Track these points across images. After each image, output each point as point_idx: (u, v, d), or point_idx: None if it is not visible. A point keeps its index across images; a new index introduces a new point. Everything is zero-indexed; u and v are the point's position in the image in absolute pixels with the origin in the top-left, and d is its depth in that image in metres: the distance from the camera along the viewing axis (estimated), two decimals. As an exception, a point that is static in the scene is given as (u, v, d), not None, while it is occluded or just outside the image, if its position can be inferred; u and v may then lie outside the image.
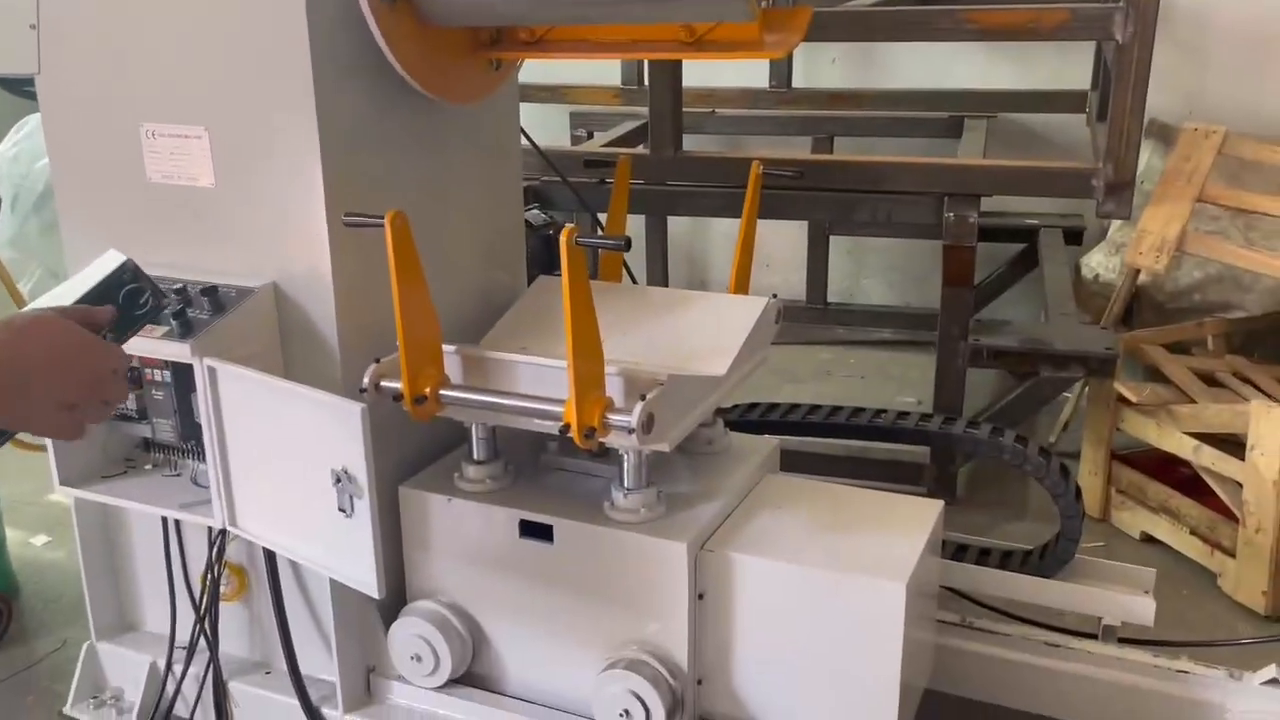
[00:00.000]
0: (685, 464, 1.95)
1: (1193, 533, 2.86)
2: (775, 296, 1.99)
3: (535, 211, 2.71)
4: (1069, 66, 4.31)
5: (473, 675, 1.91)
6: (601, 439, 1.61)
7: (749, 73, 4.66)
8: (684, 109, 3.44)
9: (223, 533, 1.85)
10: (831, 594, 1.68)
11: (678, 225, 4.83)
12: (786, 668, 1.74)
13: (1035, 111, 4.41)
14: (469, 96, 1.94)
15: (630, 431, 1.57)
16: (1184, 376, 3.09)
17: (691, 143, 3.61)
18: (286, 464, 1.65)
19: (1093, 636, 2.13)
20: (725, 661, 1.77)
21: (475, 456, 1.86)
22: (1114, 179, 2.80)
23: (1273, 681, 1.94)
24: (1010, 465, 2.27)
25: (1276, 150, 3.33)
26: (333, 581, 1.80)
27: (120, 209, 1.87)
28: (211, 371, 1.68)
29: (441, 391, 1.70)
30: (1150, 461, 3.08)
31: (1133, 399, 3.00)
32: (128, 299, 1.37)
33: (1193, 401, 2.97)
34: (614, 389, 1.65)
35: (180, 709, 2.06)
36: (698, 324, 1.94)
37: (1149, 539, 2.99)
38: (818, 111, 4.56)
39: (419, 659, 1.86)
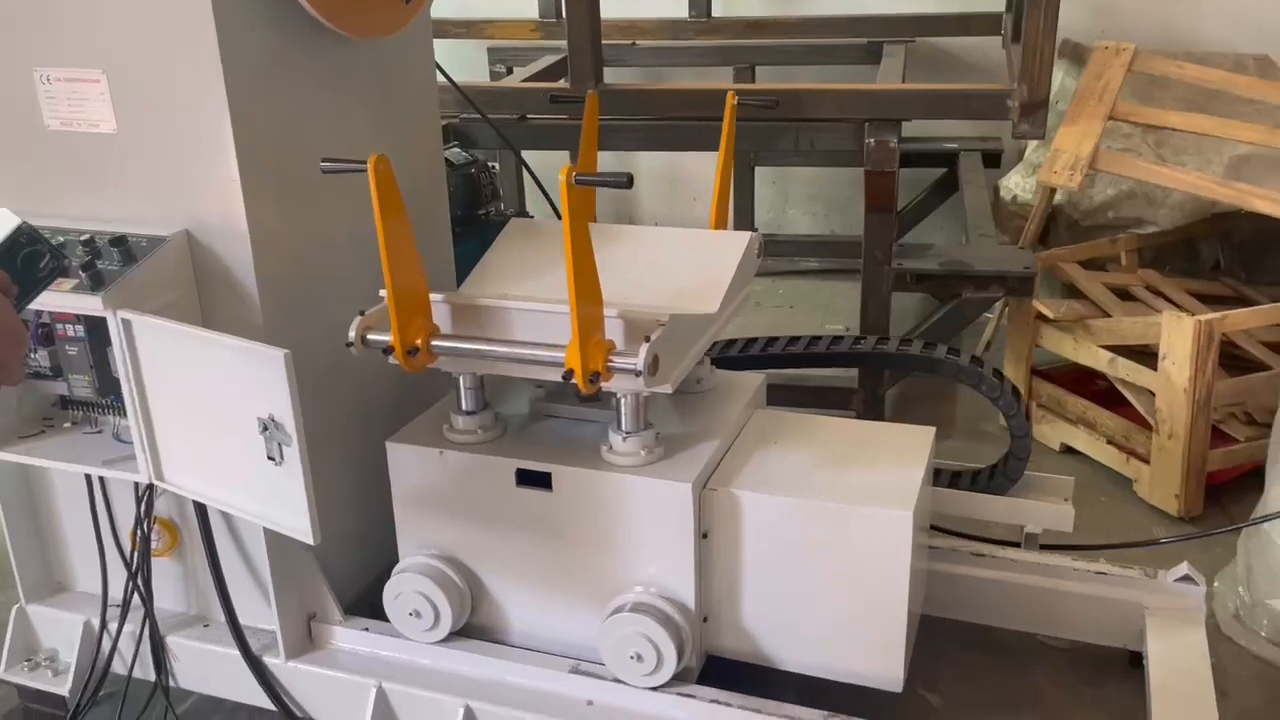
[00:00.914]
0: (676, 404, 1.91)
1: (1109, 442, 2.97)
2: (756, 230, 1.95)
3: (456, 150, 2.66)
4: (984, -11, 4.34)
5: (472, 627, 1.88)
6: (604, 383, 1.57)
7: (668, 2, 4.60)
8: (604, 41, 3.39)
9: (149, 488, 1.82)
10: (837, 526, 1.68)
11: (602, 159, 4.79)
12: (791, 601, 1.74)
13: (952, 35, 4.44)
14: (379, 31, 1.89)
15: (637, 374, 1.54)
16: (1099, 292, 3.19)
17: (613, 76, 3.57)
18: (211, 415, 1.62)
19: (1016, 545, 2.21)
20: (730, 598, 1.77)
21: (464, 407, 1.81)
22: (1028, 99, 2.84)
23: (1185, 579, 2.03)
24: (966, 385, 2.28)
25: (1184, 66, 3.40)
26: (267, 531, 1.79)
27: (19, 158, 1.79)
28: (126, 324, 1.64)
29: (434, 342, 1.65)
30: (1069, 376, 3.18)
31: (1051, 315, 3.08)
32: (26, 264, 1.31)
33: (1107, 316, 3.06)
34: (613, 331, 1.61)
35: (118, 666, 2.04)
36: (683, 261, 1.90)
37: (1068, 450, 3.10)
38: (738, 41, 4.53)
39: (418, 614, 1.83)
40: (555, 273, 1.81)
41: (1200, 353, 2.65)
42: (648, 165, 4.98)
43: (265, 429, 1.53)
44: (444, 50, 2.47)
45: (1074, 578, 2.09)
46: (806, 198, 4.98)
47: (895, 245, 3.11)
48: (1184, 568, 2.05)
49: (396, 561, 2.19)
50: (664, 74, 4.69)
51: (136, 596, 1.95)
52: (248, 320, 1.76)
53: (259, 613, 1.93)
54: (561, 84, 3.55)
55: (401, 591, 1.83)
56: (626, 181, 1.59)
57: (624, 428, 1.73)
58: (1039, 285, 3.10)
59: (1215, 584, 2.46)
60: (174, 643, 2.00)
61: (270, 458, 1.55)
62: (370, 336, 1.67)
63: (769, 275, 4.70)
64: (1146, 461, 2.83)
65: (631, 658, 1.72)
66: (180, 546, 1.99)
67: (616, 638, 1.73)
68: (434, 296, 1.70)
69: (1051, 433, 3.14)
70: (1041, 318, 3.11)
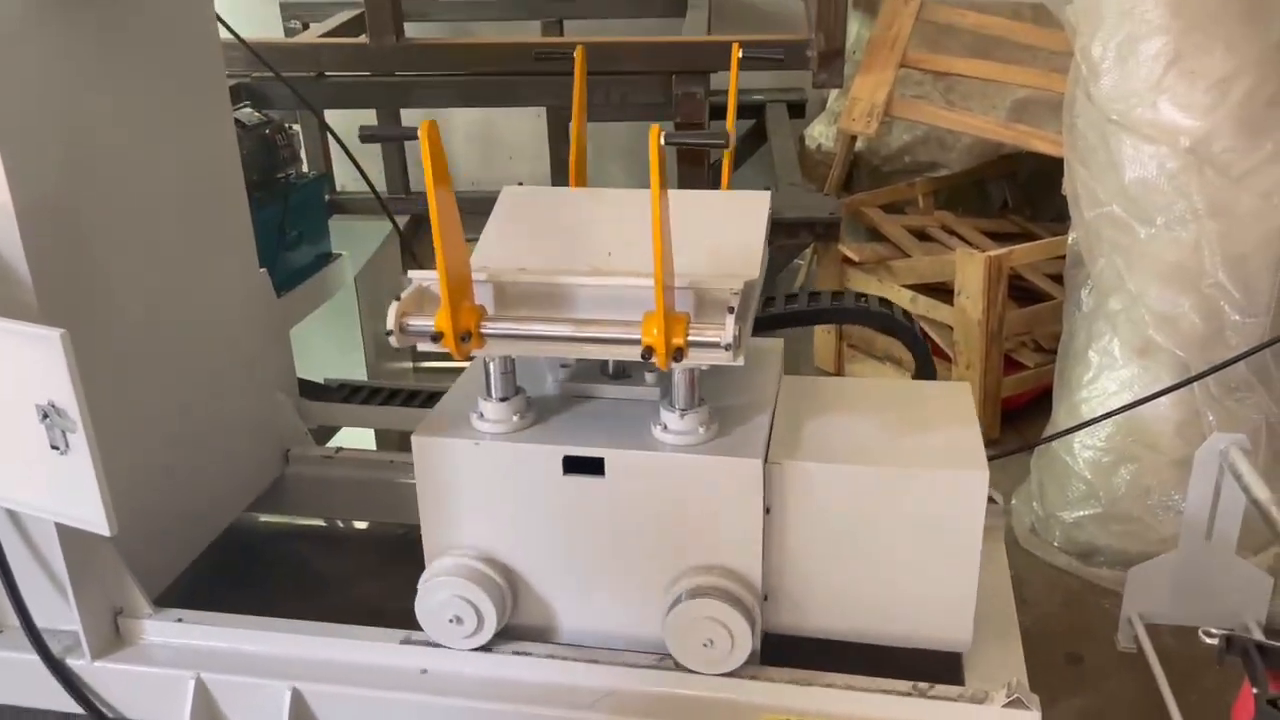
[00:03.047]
0: (707, 374, 1.76)
1: (913, 375, 3.13)
2: (770, 189, 1.86)
3: (247, 110, 2.52)
4: (782, -59, 4.43)
5: (514, 629, 1.74)
6: (685, 360, 1.48)
7: (470, -45, 4.49)
8: (402, -6, 3.28)
9: (-82, 490, 1.66)
10: (909, 492, 1.61)
11: (412, 119, 4.66)
12: (857, 571, 1.68)
13: (753, -13, 4.52)
14: (148, -18, 1.76)
15: (727, 348, 1.46)
16: (899, 234, 3.34)
17: (416, 30, 3.46)
18: (-17, 405, 1.49)
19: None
20: (791, 573, 1.69)
21: (496, 394, 1.65)
22: (826, 48, 2.93)
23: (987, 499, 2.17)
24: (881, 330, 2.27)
25: (967, 14, 3.58)
26: (60, 525, 1.66)
27: None
28: (-127, 311, 1.48)
29: (488, 326, 1.51)
30: (876, 315, 3.33)
31: (856, 258, 3.21)
32: None
33: (907, 256, 3.22)
34: (683, 303, 1.50)
35: (-101, 686, 1.86)
36: (706, 225, 1.75)
37: (878, 386, 3.25)
38: (543, -7, 4.47)
39: (459, 620, 1.68)
40: (568, 241, 1.71)
41: (991, 286, 2.82)
42: (464, 121, 4.88)
43: (46, 416, 1.42)
44: (233, 5, 2.33)
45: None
46: (623, 152, 4.99)
47: (708, 196, 3.16)
48: (980, 485, 2.18)
49: (211, 543, 2.09)
50: (468, 28, 4.58)
51: (-86, 609, 1.78)
52: (20, 300, 1.61)
53: (58, 612, 1.79)
54: (362, 39, 3.41)
55: (439, 597, 1.68)
56: (725, 142, 1.51)
57: (679, 404, 1.61)
58: (844, 230, 3.22)
59: (1013, 501, 2.64)
60: (-37, 654, 1.84)
61: (54, 447, 1.43)
62: (410, 324, 1.52)
63: (588, 231, 4.69)
64: (948, 392, 3.00)
65: (704, 645, 1.63)
66: (-39, 550, 1.83)
67: (685, 626, 1.62)
68: (475, 274, 1.55)
69: (862, 370, 3.29)
70: (848, 261, 3.23)
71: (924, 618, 1.69)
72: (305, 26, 4.27)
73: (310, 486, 2.30)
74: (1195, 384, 2.25)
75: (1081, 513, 2.44)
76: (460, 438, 1.65)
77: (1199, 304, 2.28)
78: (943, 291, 3.02)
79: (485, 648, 1.73)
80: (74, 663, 1.79)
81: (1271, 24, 2.25)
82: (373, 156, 4.26)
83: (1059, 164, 2.65)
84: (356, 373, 3.08)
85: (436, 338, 1.50)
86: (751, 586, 1.65)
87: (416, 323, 1.53)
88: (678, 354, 1.47)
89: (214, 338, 2.06)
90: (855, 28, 3.87)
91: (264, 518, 2.32)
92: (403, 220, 4.28)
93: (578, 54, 1.96)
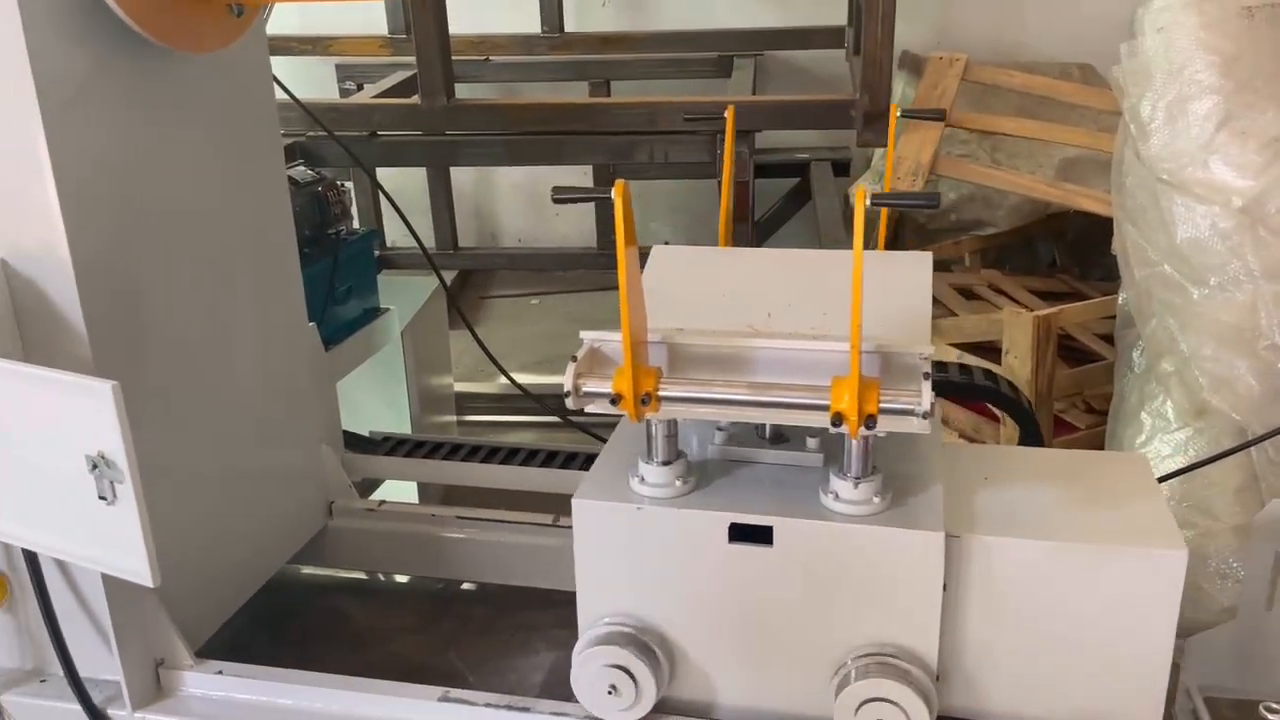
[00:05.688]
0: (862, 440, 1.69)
1: (961, 435, 3.08)
2: (929, 252, 1.81)
3: (300, 168, 2.59)
4: (827, 3, 4.48)
5: (669, 702, 1.68)
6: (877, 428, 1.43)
7: (520, 18, 4.59)
8: (456, 57, 3.36)
9: (-29, 537, 1.69)
10: (1101, 570, 1.53)
11: (461, 177, 4.75)
12: (1036, 653, 1.60)
13: (798, 48, 4.57)
14: (206, 45, 1.81)
15: (924, 416, 1.41)
16: (946, 292, 3.32)
17: (467, 91, 3.54)
18: (35, 454, 1.51)
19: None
20: (966, 654, 1.61)
21: (659, 457, 1.60)
22: (870, 108, 2.95)
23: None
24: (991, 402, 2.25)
25: (1013, 75, 3.59)
26: (105, 575, 1.68)
27: None
28: (-65, 361, 1.52)
29: (667, 390, 1.48)
30: (921, 374, 3.29)
31: (902, 317, 3.19)
32: None
33: (954, 314, 3.19)
34: (870, 368, 1.46)
35: (-55, 733, 1.88)
36: (867, 287, 1.64)
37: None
38: (592, 55, 4.57)
39: (616, 691, 1.62)
40: (725, 302, 1.69)
41: (1040, 346, 2.78)
42: (510, 180, 4.96)
43: (95, 467, 1.44)
44: (291, 67, 2.41)
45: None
46: (668, 210, 5.04)
47: (752, 254, 3.17)
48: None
49: (254, 594, 2.10)
50: (518, 89, 4.68)
51: (-38, 655, 1.81)
52: (75, 353, 1.65)
53: (101, 662, 1.81)
54: (414, 100, 3.50)
55: (597, 666, 1.63)
56: (936, 202, 1.50)
57: (852, 472, 1.54)
58: (890, 288, 3.20)
59: (1064, 566, 2.58)
60: (8, 701, 1.85)
61: (101, 497, 1.45)
62: (587, 387, 1.50)
63: (633, 287, 4.72)
64: (996, 453, 2.95)
65: None
66: (11, 598, 1.85)
67: (859, 705, 1.55)
68: (651, 336, 1.53)
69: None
70: (894, 319, 3.21)
71: (1108, 703, 1.59)
72: (359, 87, 4.38)
73: (353, 539, 2.31)
74: (1253, 448, 2.20)
75: (1136, 579, 2.37)
76: (622, 501, 1.60)
77: (1255, 366, 2.23)
78: (990, 351, 2.98)
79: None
80: (115, 713, 1.80)
81: (1325, 83, 2.23)
82: (422, 214, 4.34)
83: (1107, 223, 2.62)
84: (401, 426, 3.10)
85: (615, 400, 1.47)
86: (927, 666, 1.57)
87: (593, 385, 1.50)
88: (870, 421, 1.41)
89: (261, 390, 2.09)
90: (900, 87, 3.89)
91: (306, 570, 2.33)
92: (449, 276, 4.34)
93: (729, 113, 1.93)
